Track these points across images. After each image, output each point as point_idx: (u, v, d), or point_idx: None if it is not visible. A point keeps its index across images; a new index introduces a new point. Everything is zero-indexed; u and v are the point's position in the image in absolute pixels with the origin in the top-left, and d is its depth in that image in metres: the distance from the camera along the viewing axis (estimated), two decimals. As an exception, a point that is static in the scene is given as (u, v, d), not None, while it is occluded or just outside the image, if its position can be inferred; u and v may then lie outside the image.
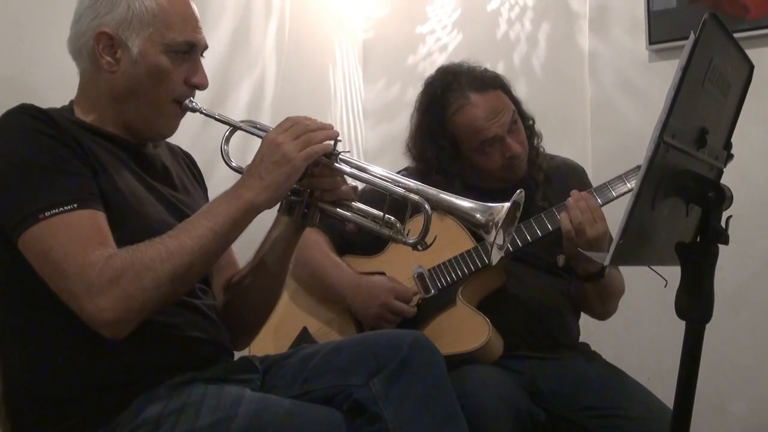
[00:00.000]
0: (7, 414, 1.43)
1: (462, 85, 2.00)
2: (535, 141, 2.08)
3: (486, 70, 2.05)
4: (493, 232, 1.39)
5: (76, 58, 1.51)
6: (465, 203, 1.43)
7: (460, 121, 1.98)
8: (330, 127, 1.45)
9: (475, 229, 1.41)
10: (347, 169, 1.46)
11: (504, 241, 1.42)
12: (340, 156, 1.46)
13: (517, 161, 1.99)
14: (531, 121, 2.08)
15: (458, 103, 1.98)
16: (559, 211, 1.89)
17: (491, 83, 2.01)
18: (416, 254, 1.96)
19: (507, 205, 1.40)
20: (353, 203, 1.50)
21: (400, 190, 1.44)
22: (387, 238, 1.48)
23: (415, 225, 1.45)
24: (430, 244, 1.44)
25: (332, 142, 1.44)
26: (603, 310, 2.02)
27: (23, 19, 1.85)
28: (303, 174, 1.43)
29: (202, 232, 1.34)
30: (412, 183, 1.46)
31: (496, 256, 1.42)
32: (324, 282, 2.03)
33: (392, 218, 1.47)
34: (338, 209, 1.49)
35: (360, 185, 1.56)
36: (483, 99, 1.98)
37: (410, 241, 1.45)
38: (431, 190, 1.45)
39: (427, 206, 1.41)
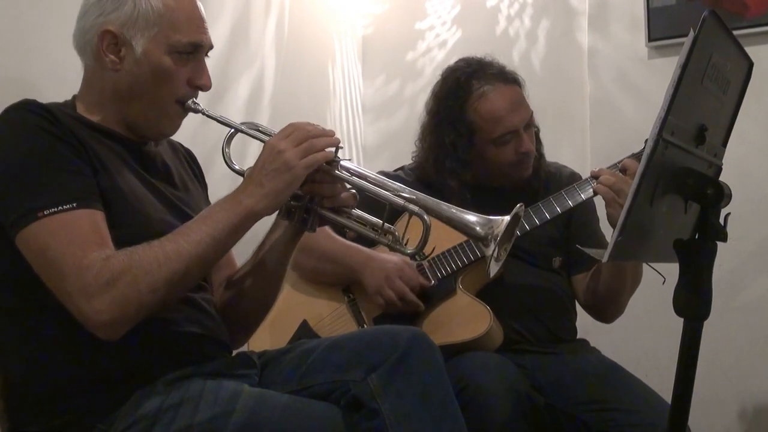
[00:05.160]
0: (5, 409, 1.43)
1: (488, 74, 2.01)
2: (541, 149, 2.09)
3: (506, 67, 2.07)
4: (492, 246, 1.41)
5: (80, 53, 1.50)
6: (465, 216, 1.45)
7: (483, 108, 1.98)
8: (332, 134, 1.44)
9: (474, 242, 1.42)
10: (348, 176, 1.47)
11: (501, 255, 1.43)
12: (341, 163, 1.46)
13: (527, 159, 2.01)
14: (536, 129, 2.09)
15: (483, 90, 1.99)
16: (580, 186, 1.92)
17: (514, 80, 2.04)
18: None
19: (507, 218, 1.42)
20: (353, 210, 1.50)
21: (400, 201, 1.45)
22: (385, 246, 1.50)
23: (413, 231, 1.46)
24: (429, 256, 1.45)
25: (333, 150, 1.44)
26: (628, 297, 2.01)
27: (23, 15, 1.84)
28: (304, 180, 1.43)
29: (200, 237, 1.34)
30: (413, 194, 1.47)
31: (493, 269, 1.44)
32: (335, 262, 2.01)
33: (391, 227, 1.48)
34: (337, 216, 1.50)
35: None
36: (508, 90, 2.00)
37: (408, 251, 1.48)
38: (431, 201, 1.46)
39: (426, 217, 1.42)
